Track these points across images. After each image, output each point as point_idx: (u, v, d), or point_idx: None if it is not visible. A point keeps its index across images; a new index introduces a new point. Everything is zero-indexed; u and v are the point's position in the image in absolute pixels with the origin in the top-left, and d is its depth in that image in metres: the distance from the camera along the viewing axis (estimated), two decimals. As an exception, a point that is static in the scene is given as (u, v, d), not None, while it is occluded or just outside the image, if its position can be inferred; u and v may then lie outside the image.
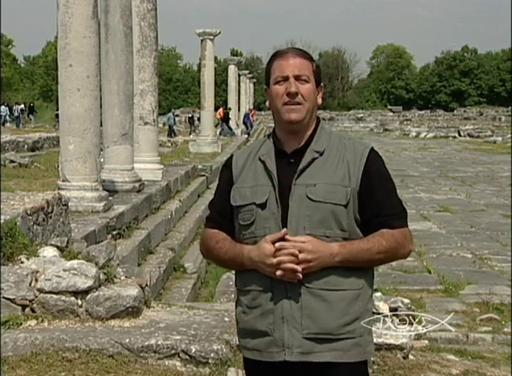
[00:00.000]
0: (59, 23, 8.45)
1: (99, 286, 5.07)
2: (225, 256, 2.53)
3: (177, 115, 63.35)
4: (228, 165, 2.61)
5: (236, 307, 2.59)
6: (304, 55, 2.52)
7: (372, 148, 2.53)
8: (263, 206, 2.45)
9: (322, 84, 2.56)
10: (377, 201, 2.45)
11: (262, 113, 65.77)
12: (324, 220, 2.41)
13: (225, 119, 39.18)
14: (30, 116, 43.45)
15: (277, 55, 2.53)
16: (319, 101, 2.54)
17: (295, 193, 2.43)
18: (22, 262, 5.26)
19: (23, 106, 44.73)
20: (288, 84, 2.45)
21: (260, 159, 2.52)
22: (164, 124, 38.46)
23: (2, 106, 43.12)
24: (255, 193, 2.47)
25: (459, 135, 48.63)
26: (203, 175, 17.08)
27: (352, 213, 2.44)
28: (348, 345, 2.42)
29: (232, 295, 7.94)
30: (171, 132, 37.00)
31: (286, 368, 2.43)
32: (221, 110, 40.59)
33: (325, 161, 2.46)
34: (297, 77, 2.46)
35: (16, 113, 42.69)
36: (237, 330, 2.61)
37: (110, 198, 9.13)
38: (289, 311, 2.40)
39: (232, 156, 2.65)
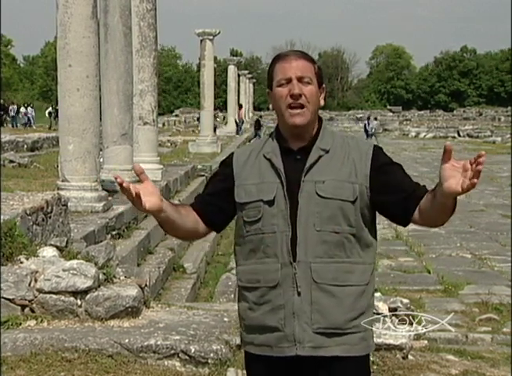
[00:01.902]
0: (59, 23, 8.46)
1: (99, 286, 5.07)
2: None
3: (176, 115, 63.45)
4: (228, 163, 2.61)
5: (240, 303, 2.59)
6: (306, 57, 2.54)
7: (375, 145, 2.57)
8: (271, 203, 2.46)
9: (323, 85, 2.57)
10: (399, 183, 2.48)
11: (262, 113, 65.80)
12: (333, 216, 2.43)
13: (258, 127, 39.46)
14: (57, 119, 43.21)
15: (279, 57, 2.54)
16: (322, 102, 2.55)
17: (304, 190, 2.44)
18: (21, 262, 5.26)
19: (50, 109, 44.42)
20: (291, 86, 2.46)
21: (265, 156, 2.52)
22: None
23: (29, 108, 42.74)
24: (261, 190, 2.48)
25: (459, 135, 48.61)
26: (203, 175, 17.09)
27: (359, 209, 2.46)
28: (355, 340, 2.46)
29: (232, 295, 7.95)
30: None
31: (292, 362, 2.46)
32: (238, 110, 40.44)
33: (331, 159, 2.49)
34: (300, 79, 2.47)
35: (12, 113, 42.29)
36: (242, 327, 2.61)
37: (110, 198, 9.12)
38: (299, 306, 2.42)
39: (232, 154, 2.65)
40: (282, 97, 2.48)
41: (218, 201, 2.56)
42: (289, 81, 2.47)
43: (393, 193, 2.46)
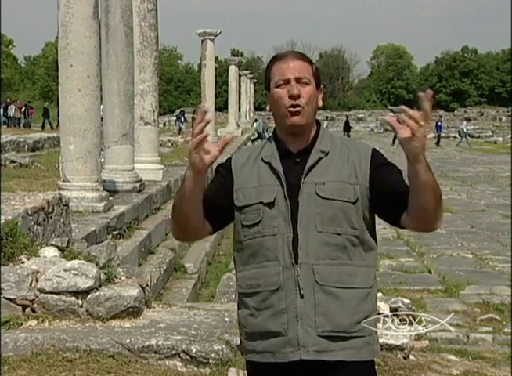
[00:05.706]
0: (60, 24, 8.46)
1: (100, 286, 5.07)
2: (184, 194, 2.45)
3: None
4: (226, 166, 2.57)
5: (240, 310, 2.54)
6: (304, 58, 2.52)
7: (373, 148, 2.55)
8: (271, 205, 2.42)
9: (321, 86, 2.56)
10: (395, 183, 2.43)
11: (262, 113, 65.79)
12: (335, 217, 2.40)
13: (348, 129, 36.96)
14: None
15: (276, 58, 2.52)
16: (320, 103, 2.54)
17: (304, 192, 2.41)
18: (22, 262, 5.26)
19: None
20: (290, 87, 2.44)
21: (263, 160, 2.50)
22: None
23: None
24: (261, 192, 2.45)
25: (460, 135, 48.52)
26: (204, 176, 17.08)
27: (361, 211, 2.44)
28: (360, 344, 2.42)
29: (233, 295, 7.95)
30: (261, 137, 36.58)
31: (295, 368, 2.40)
32: None
33: (330, 161, 2.47)
34: (298, 80, 2.45)
35: (10, 113, 41.29)
36: (242, 335, 2.55)
37: (111, 198, 9.13)
38: (303, 309, 2.38)
39: (230, 157, 2.62)
40: (280, 98, 2.45)
41: (217, 202, 2.50)
42: (287, 81, 2.44)
43: (388, 193, 2.42)
